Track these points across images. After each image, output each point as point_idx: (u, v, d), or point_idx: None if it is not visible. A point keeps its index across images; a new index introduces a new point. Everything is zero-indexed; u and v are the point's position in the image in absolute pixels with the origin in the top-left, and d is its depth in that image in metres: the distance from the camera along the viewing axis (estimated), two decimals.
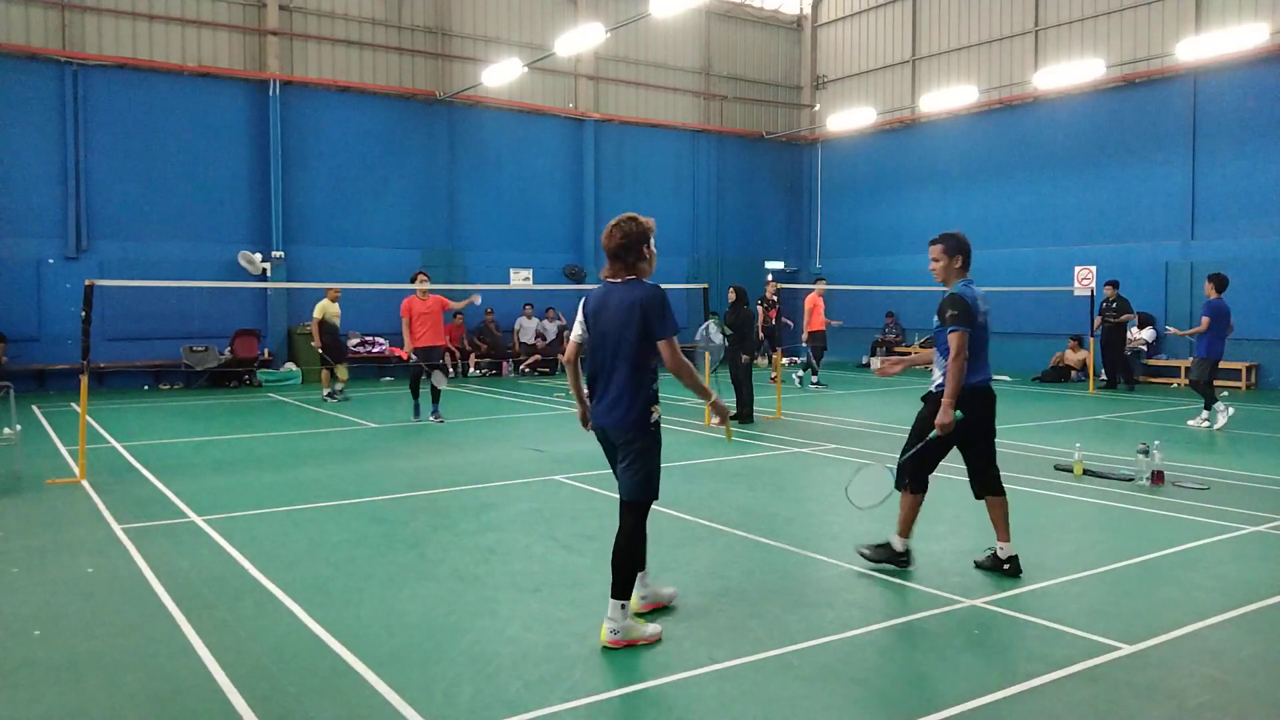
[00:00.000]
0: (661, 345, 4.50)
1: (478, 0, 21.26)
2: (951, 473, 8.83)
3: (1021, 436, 11.12)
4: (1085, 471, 8.62)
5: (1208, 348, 11.86)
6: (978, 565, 5.75)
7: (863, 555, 5.80)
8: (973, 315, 5.53)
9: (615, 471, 4.70)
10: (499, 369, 20.35)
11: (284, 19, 18.90)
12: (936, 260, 5.75)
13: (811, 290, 17.80)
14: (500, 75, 19.27)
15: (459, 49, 20.96)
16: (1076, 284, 18.57)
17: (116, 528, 6.71)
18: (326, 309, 14.98)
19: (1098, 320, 16.97)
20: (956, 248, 5.72)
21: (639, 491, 4.57)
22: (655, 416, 4.55)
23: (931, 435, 5.51)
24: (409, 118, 20.34)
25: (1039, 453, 9.91)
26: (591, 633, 4.62)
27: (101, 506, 7.39)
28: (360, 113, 19.77)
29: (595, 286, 4.80)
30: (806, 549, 6.21)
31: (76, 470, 8.61)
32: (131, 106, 17.47)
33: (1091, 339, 17.14)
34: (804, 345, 17.73)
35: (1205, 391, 11.90)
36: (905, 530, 5.73)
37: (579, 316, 4.77)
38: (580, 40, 18.39)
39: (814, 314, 17.30)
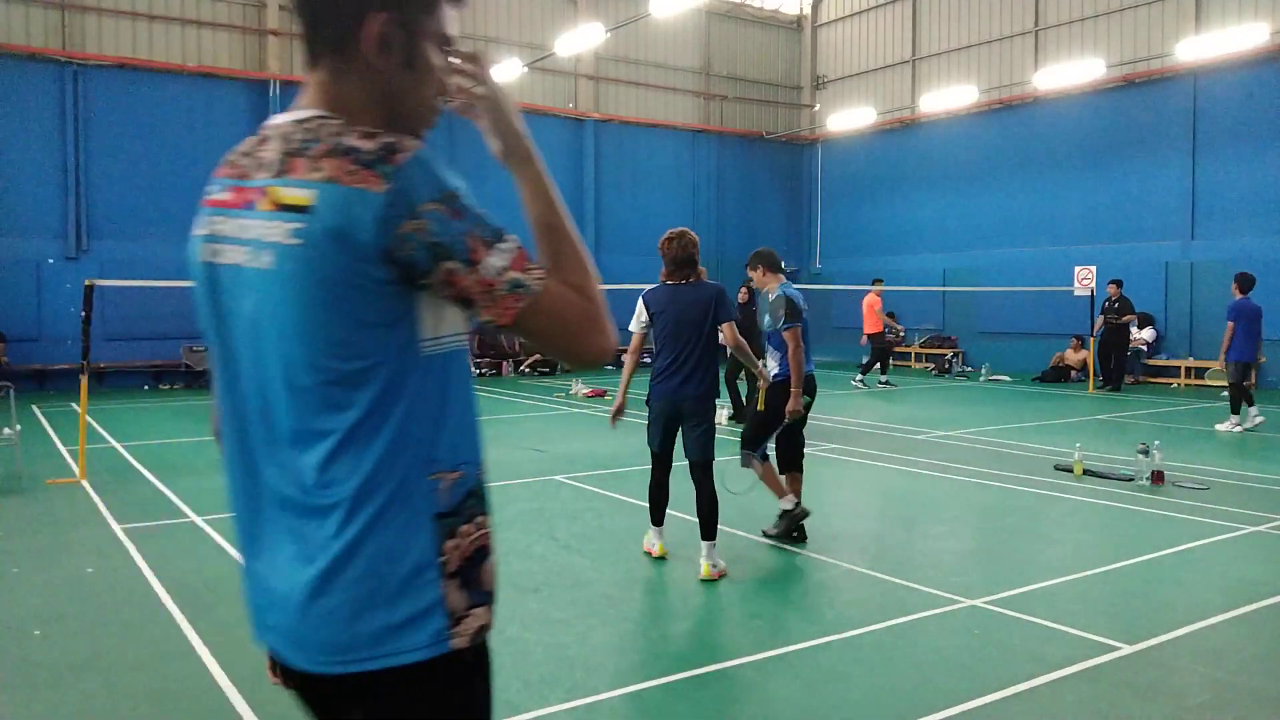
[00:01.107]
0: (725, 327, 5.60)
1: (477, 0, 21.27)
2: (950, 472, 8.84)
3: (1021, 436, 11.13)
4: (1085, 471, 8.62)
5: (1236, 351, 11.55)
6: (767, 534, 6.39)
7: (769, 534, 6.40)
8: (800, 312, 6.30)
9: (659, 442, 5.66)
10: (499, 369, 20.35)
11: (284, 19, 18.90)
12: (754, 275, 6.62)
13: (869, 291, 17.79)
14: (500, 75, 19.24)
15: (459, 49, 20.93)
16: (1076, 284, 18.55)
17: (116, 528, 6.71)
18: None
19: (1099, 320, 16.92)
20: (759, 261, 6.56)
21: (707, 450, 5.61)
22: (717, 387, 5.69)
23: (787, 421, 6.31)
24: None
25: (1039, 453, 9.91)
26: (592, 632, 4.62)
27: (101, 506, 7.39)
28: None
29: (653, 287, 5.76)
30: (806, 549, 6.21)
31: (76, 470, 8.61)
32: (131, 106, 17.48)
33: (1092, 339, 17.12)
34: (864, 346, 17.79)
35: (1236, 395, 11.55)
36: (781, 492, 6.42)
37: (640, 313, 5.73)
38: (580, 40, 18.41)
39: (869, 315, 17.36)
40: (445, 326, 1.37)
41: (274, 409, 1.36)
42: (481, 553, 1.41)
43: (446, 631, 1.34)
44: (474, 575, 1.39)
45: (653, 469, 5.80)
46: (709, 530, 5.55)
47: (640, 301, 5.76)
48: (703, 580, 5.43)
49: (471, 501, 1.40)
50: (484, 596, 1.40)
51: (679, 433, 5.67)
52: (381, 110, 1.41)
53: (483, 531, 1.41)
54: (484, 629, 1.40)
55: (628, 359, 5.89)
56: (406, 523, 1.33)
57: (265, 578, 1.41)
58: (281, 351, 1.32)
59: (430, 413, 1.35)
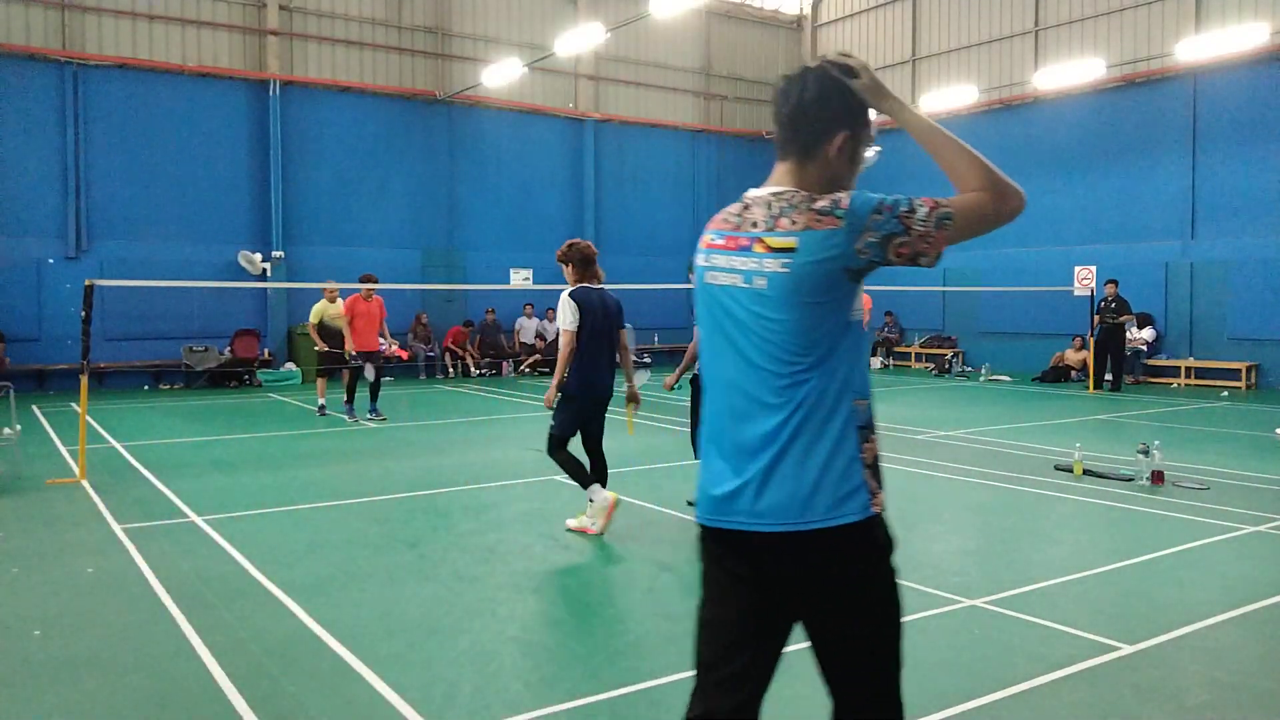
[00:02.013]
0: (621, 332, 6.46)
1: (478, 0, 21.27)
2: (949, 472, 8.84)
3: (1021, 436, 11.13)
4: (1085, 471, 8.62)
5: None
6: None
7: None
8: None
9: (590, 429, 6.61)
10: (499, 369, 20.35)
11: (284, 19, 18.90)
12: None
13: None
14: (500, 75, 19.27)
15: (459, 49, 20.96)
16: (1076, 284, 18.54)
17: (116, 528, 6.71)
18: (323, 311, 13.38)
19: (1096, 320, 16.89)
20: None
21: (603, 431, 6.69)
22: None
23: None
24: (409, 118, 20.34)
25: (1039, 453, 9.91)
26: (592, 632, 4.62)
27: (101, 506, 7.39)
28: (360, 113, 19.77)
29: (577, 288, 6.40)
30: None
31: (76, 470, 8.61)
32: (131, 106, 17.47)
33: (1091, 339, 17.11)
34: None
35: None
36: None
37: (575, 310, 6.29)
38: (580, 40, 18.40)
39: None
40: (856, 303, 2.07)
41: (755, 368, 2.08)
42: (879, 457, 2.12)
43: (869, 502, 2.05)
44: (877, 470, 2.10)
45: (558, 448, 6.49)
46: (605, 480, 6.54)
47: (572, 300, 6.30)
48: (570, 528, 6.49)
49: (872, 421, 2.12)
50: (881, 485, 2.11)
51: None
52: (826, 189, 2.12)
53: (876, 442, 2.12)
54: (884, 506, 2.11)
55: (568, 350, 6.29)
56: (843, 431, 2.04)
57: (737, 478, 2.09)
58: (767, 337, 2.06)
59: (852, 360, 2.07)
